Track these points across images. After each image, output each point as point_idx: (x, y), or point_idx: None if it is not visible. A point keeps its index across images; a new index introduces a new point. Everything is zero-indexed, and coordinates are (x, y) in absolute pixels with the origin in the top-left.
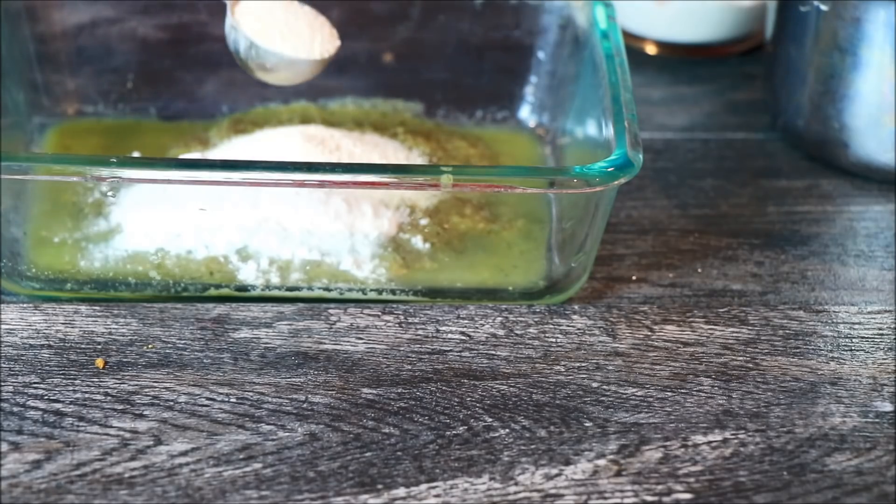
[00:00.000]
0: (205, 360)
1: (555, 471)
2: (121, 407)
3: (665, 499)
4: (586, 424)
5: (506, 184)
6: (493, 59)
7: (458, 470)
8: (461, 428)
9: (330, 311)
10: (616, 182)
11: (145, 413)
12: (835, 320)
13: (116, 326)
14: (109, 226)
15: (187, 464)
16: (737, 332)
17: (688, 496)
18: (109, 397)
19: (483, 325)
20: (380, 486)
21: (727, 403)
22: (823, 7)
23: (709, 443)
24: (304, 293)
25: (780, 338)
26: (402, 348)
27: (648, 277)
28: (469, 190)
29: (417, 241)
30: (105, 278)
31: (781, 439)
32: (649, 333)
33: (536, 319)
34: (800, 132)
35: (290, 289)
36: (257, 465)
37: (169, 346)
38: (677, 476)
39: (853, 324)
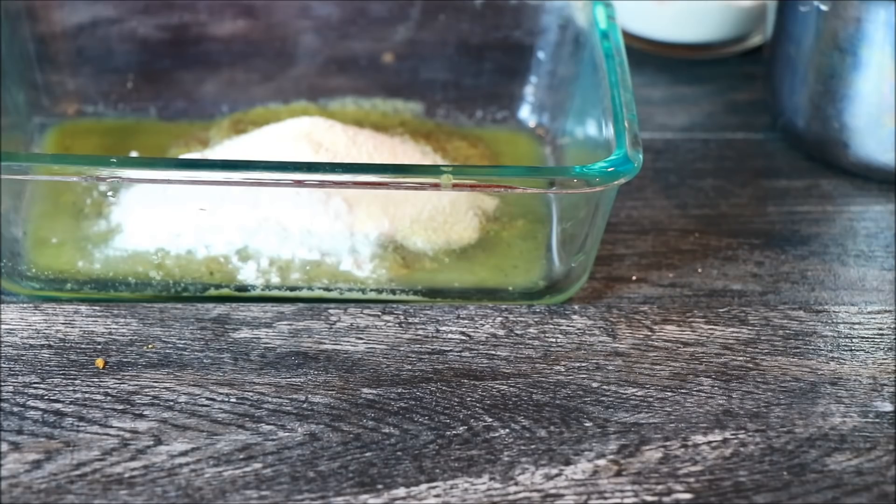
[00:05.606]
0: (205, 360)
1: (555, 471)
2: (121, 407)
3: (665, 499)
4: (586, 424)
5: (506, 184)
6: (493, 59)
7: (458, 470)
8: (461, 428)
9: (330, 311)
10: (616, 182)
11: (145, 413)
12: (835, 320)
13: (116, 326)
14: (109, 226)
15: (187, 464)
16: (737, 332)
17: (688, 496)
18: (109, 397)
19: (483, 325)
20: (380, 486)
21: (727, 403)
22: (823, 7)
23: (709, 443)
24: (304, 293)
25: (780, 338)
26: (402, 348)
27: (648, 277)
28: (469, 190)
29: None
30: (105, 278)
31: (781, 439)
32: (649, 333)
33: (536, 319)
34: (800, 132)
35: (290, 289)
36: (257, 465)
37: (169, 346)
38: (677, 476)
39: (853, 324)
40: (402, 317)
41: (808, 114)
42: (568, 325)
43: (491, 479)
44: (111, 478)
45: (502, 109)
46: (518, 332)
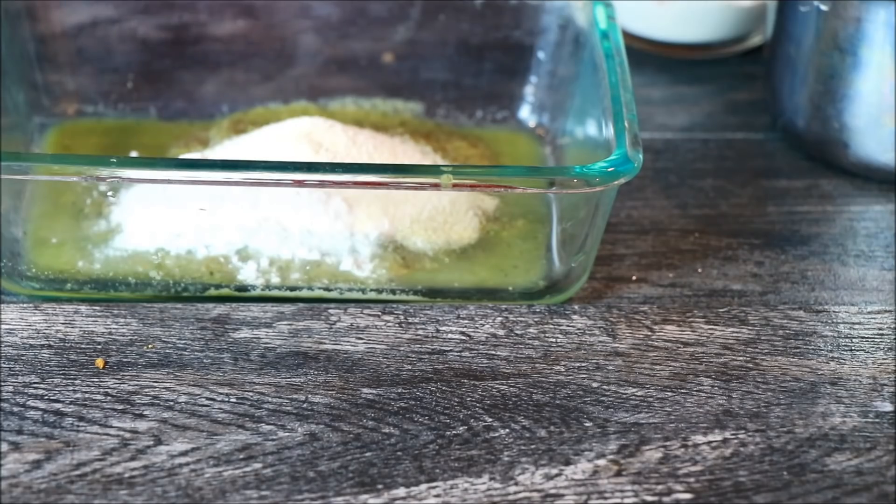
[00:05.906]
0: (205, 360)
1: (555, 471)
2: (121, 407)
3: (665, 499)
4: (586, 424)
5: (506, 184)
6: (493, 59)
7: (458, 470)
8: (461, 428)
9: (330, 311)
10: (616, 182)
11: (145, 413)
12: (835, 320)
13: (116, 326)
14: (109, 226)
15: (187, 464)
16: (737, 332)
17: (688, 496)
18: (109, 397)
19: (483, 325)
20: (380, 486)
21: (727, 403)
22: (823, 7)
23: (709, 443)
24: (304, 293)
25: (780, 338)
26: (402, 348)
27: (648, 277)
28: (469, 190)
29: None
30: (105, 278)
31: (781, 439)
32: (649, 333)
33: (536, 319)
34: (800, 132)
35: (290, 289)
36: (257, 465)
37: (169, 346)
38: (677, 476)
39: (853, 324)
40: (402, 317)
41: (808, 114)
42: (568, 325)
43: (491, 479)
44: (111, 478)
45: (502, 109)
46: (518, 332)
